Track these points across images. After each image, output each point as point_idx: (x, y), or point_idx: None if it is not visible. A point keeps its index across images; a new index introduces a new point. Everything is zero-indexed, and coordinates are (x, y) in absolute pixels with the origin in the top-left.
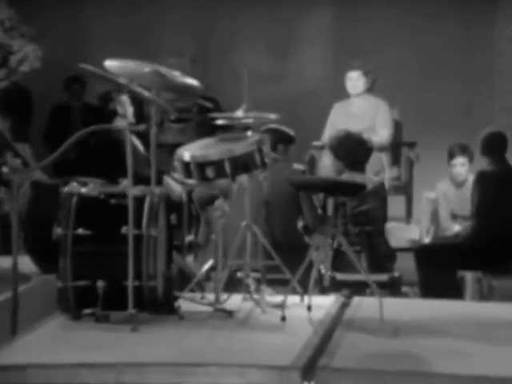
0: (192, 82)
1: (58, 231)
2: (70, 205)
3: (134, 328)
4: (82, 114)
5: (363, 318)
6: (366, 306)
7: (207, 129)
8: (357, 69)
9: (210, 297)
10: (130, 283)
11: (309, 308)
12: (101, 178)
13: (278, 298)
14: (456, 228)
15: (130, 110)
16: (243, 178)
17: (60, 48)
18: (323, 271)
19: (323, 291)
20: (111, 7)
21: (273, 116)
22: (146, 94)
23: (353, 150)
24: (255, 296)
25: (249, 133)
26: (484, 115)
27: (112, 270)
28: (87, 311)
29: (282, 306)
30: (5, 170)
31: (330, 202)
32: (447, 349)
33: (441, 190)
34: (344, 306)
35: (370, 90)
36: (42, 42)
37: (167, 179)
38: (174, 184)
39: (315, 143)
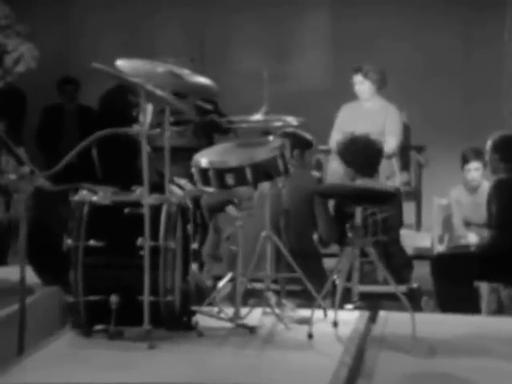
0: (207, 82)
1: (68, 242)
2: (81, 214)
3: (151, 345)
4: (77, 116)
5: (394, 335)
6: (393, 321)
7: (207, 132)
8: (356, 72)
9: (228, 311)
10: (146, 298)
11: (335, 324)
12: (106, 185)
13: (301, 313)
14: (470, 236)
15: (149, 119)
16: (265, 186)
17: (53, 47)
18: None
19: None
20: (105, 6)
21: (295, 119)
22: (166, 95)
23: (360, 154)
24: (277, 311)
25: (270, 137)
26: (493, 118)
27: (126, 283)
28: (99, 327)
29: (307, 322)
30: (12, 176)
31: (358, 212)
32: (491, 369)
33: (454, 196)
34: (371, 321)
35: (381, 89)
36: (36, 40)
37: (172, 186)
38: (178, 190)
39: (321, 147)
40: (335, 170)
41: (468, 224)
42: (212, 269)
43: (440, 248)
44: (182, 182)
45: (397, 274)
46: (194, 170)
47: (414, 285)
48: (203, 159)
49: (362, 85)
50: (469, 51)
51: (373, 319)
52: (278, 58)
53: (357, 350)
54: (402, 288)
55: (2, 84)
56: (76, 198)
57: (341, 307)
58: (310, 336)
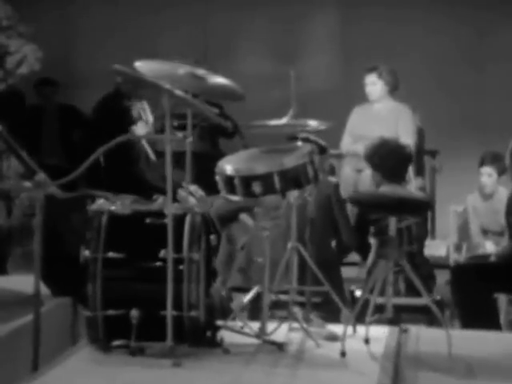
0: (231, 84)
1: (85, 254)
2: (99, 224)
3: (176, 363)
4: (57, 116)
5: (429, 354)
6: (426, 338)
7: (212, 135)
8: (370, 72)
9: (253, 326)
10: (169, 313)
11: (366, 341)
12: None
13: (329, 329)
14: (488, 245)
15: (150, 117)
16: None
17: (55, 49)
18: (358, 294)
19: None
20: (108, 6)
21: (324, 124)
22: (192, 99)
23: (389, 158)
24: (305, 326)
25: (299, 143)
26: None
27: (147, 297)
28: (118, 343)
29: (337, 338)
30: (27, 184)
31: (393, 222)
32: None
33: (470, 203)
34: (402, 338)
35: (392, 92)
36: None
37: (181, 192)
38: (186, 194)
39: (333, 151)
40: (348, 176)
41: (485, 232)
42: (227, 279)
43: (456, 257)
44: (193, 187)
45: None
46: (218, 177)
47: (437, 297)
48: (228, 166)
49: (374, 85)
50: (481, 53)
51: (405, 336)
52: (285, 59)
53: (394, 369)
54: (424, 301)
55: (4, 86)
56: (94, 207)
57: (362, 321)
58: (343, 354)
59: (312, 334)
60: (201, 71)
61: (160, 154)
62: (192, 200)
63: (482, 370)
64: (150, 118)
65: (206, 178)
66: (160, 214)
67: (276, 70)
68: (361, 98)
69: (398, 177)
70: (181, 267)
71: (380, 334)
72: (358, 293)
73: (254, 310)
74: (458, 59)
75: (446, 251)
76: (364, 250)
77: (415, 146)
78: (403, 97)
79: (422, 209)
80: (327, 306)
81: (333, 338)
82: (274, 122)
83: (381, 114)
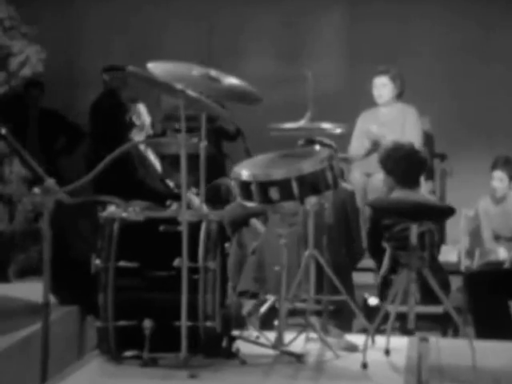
0: (248, 86)
1: (97, 263)
2: (111, 232)
3: (192, 374)
4: (38, 121)
5: (452, 366)
6: (447, 349)
7: (215, 138)
8: (382, 74)
9: (268, 335)
10: (184, 324)
11: (387, 352)
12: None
13: (347, 339)
14: (501, 251)
15: (147, 121)
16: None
17: (57, 50)
18: (371, 302)
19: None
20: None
21: (341, 127)
22: (208, 101)
23: (403, 162)
24: (324, 336)
25: (316, 147)
26: None
27: (161, 308)
28: (130, 353)
29: (356, 349)
30: (36, 191)
31: (414, 230)
32: None
33: (482, 207)
34: (423, 349)
35: (400, 96)
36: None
37: (190, 195)
38: (195, 199)
39: (341, 155)
40: (357, 180)
41: (497, 237)
42: (236, 285)
43: (468, 263)
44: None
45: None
46: (233, 183)
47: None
48: (244, 171)
49: (383, 88)
50: (493, 54)
51: (425, 347)
52: (291, 59)
53: (417, 382)
54: (439, 309)
55: (7, 89)
56: (105, 214)
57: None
58: (365, 365)
59: (331, 345)
60: (215, 73)
61: (162, 157)
62: (197, 202)
63: (507, 382)
64: (147, 121)
65: (209, 181)
66: (174, 221)
67: (282, 71)
68: (368, 100)
69: (411, 182)
70: (196, 276)
71: (399, 344)
72: (371, 300)
73: (265, 317)
74: (468, 60)
75: (457, 257)
76: (378, 256)
77: (421, 146)
78: (411, 98)
79: (445, 215)
80: (339, 314)
81: (352, 348)
82: (290, 125)
83: (388, 118)
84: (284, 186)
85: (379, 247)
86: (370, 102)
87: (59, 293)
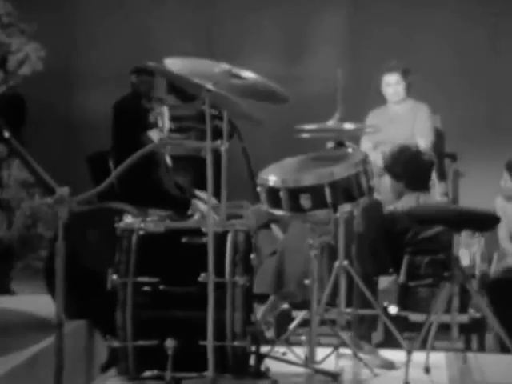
0: (274, 85)
1: (114, 278)
2: (129, 245)
3: None
4: None
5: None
6: (487, 365)
7: (212, 138)
8: (394, 70)
9: (295, 350)
10: (210, 343)
11: (427, 370)
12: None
13: (382, 355)
14: None
15: (167, 124)
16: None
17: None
18: (391, 310)
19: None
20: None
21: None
22: (233, 99)
23: (411, 164)
24: (358, 353)
25: (350, 149)
26: None
27: (184, 326)
28: (150, 374)
29: (392, 365)
30: (49, 200)
31: (456, 239)
32: None
33: (499, 206)
34: (464, 366)
35: (409, 93)
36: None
37: (195, 201)
38: (201, 204)
39: None
40: None
41: None
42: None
43: (484, 267)
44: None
45: (461, 300)
46: (260, 189)
47: (477, 314)
48: (272, 177)
49: (398, 85)
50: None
51: (464, 362)
52: (291, 59)
53: None
54: (463, 318)
55: (5, 88)
56: (122, 225)
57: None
58: None
59: (366, 362)
60: (238, 70)
61: (173, 159)
62: (204, 208)
63: None
64: (167, 124)
65: (204, 182)
66: (198, 232)
67: (282, 71)
68: (372, 100)
69: (421, 184)
70: (223, 292)
71: (436, 360)
72: (391, 309)
73: (280, 326)
74: (479, 58)
75: (470, 260)
76: (396, 262)
77: (432, 147)
78: (422, 97)
79: (491, 224)
80: (358, 325)
81: (389, 365)
82: (318, 126)
83: (399, 115)
84: (316, 192)
85: (397, 254)
86: (373, 101)
87: (66, 306)
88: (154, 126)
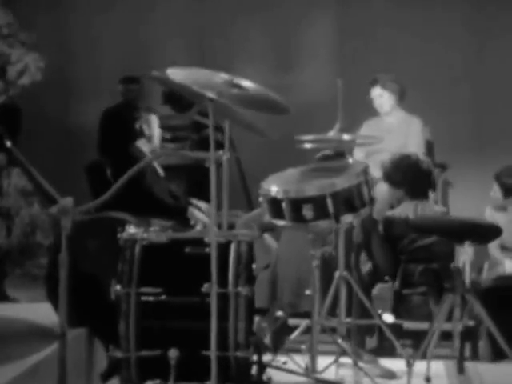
0: (275, 96)
1: (117, 289)
2: (132, 255)
3: None
4: None
5: None
6: (485, 375)
7: (203, 148)
8: (373, 85)
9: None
10: (213, 353)
11: (428, 380)
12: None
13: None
14: (507, 263)
15: (157, 132)
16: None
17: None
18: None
19: None
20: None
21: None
22: (238, 109)
23: (410, 172)
24: (359, 363)
25: (350, 160)
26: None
27: (187, 336)
28: (153, 383)
29: (392, 375)
30: (53, 210)
31: (459, 250)
32: None
33: (489, 216)
34: (463, 376)
35: (401, 100)
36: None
37: (192, 209)
38: (198, 212)
39: None
40: None
41: (503, 247)
42: None
43: (474, 276)
44: (203, 205)
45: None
46: (262, 199)
47: (470, 322)
48: (274, 187)
49: (381, 98)
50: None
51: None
52: (281, 68)
53: None
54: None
55: (4, 98)
56: (125, 235)
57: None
58: None
59: (367, 372)
60: (239, 80)
61: (166, 168)
62: (202, 217)
63: None
64: (156, 133)
65: (197, 191)
66: (201, 243)
67: (274, 79)
68: (364, 109)
69: (420, 192)
70: (226, 303)
71: (436, 369)
72: (385, 317)
73: (276, 335)
74: (467, 67)
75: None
76: (392, 269)
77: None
78: (412, 110)
79: (493, 236)
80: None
81: (389, 375)
82: (319, 136)
83: (391, 127)
84: (318, 203)
85: (396, 260)
86: (364, 110)
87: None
88: (141, 134)
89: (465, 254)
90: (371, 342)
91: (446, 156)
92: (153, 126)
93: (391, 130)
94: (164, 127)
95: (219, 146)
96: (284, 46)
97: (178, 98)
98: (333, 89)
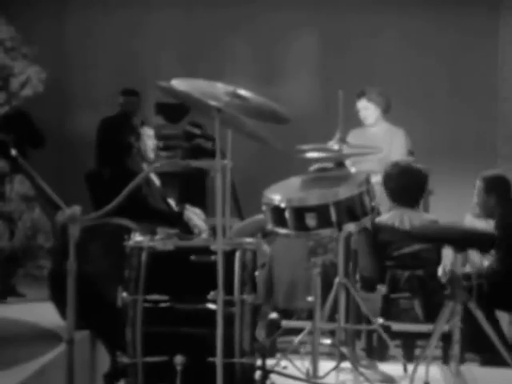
0: (278, 107)
1: (124, 296)
2: (138, 263)
3: None
4: None
5: None
6: (484, 379)
7: (195, 156)
8: (360, 97)
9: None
10: (220, 360)
11: None
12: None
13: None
14: (486, 264)
15: (150, 144)
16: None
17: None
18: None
19: None
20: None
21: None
22: (247, 121)
23: (401, 180)
24: (359, 368)
25: (352, 169)
26: (489, 143)
27: (193, 343)
28: None
29: (391, 380)
30: (59, 216)
31: (459, 258)
32: None
33: (469, 223)
34: (459, 380)
35: (386, 112)
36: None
37: (188, 213)
38: (197, 219)
39: None
40: None
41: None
42: None
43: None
44: (197, 211)
45: (437, 312)
46: (265, 208)
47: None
48: (277, 196)
49: (366, 110)
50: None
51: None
52: (265, 80)
53: None
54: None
55: (8, 109)
56: (131, 243)
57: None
58: None
59: (367, 377)
60: (242, 91)
61: (160, 175)
62: (198, 221)
63: None
64: (149, 145)
65: (189, 198)
66: (206, 251)
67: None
68: (347, 121)
69: (410, 199)
70: (231, 310)
71: (432, 374)
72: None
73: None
74: (444, 77)
75: (442, 275)
76: (379, 275)
77: None
78: (392, 119)
79: (492, 244)
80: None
81: (389, 380)
82: (318, 147)
83: (376, 138)
84: (321, 212)
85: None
86: (348, 123)
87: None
88: (133, 146)
89: (446, 257)
90: (359, 344)
91: (425, 163)
92: (145, 138)
93: (375, 140)
94: (156, 136)
95: (210, 154)
96: (267, 60)
97: (170, 109)
98: (315, 101)
